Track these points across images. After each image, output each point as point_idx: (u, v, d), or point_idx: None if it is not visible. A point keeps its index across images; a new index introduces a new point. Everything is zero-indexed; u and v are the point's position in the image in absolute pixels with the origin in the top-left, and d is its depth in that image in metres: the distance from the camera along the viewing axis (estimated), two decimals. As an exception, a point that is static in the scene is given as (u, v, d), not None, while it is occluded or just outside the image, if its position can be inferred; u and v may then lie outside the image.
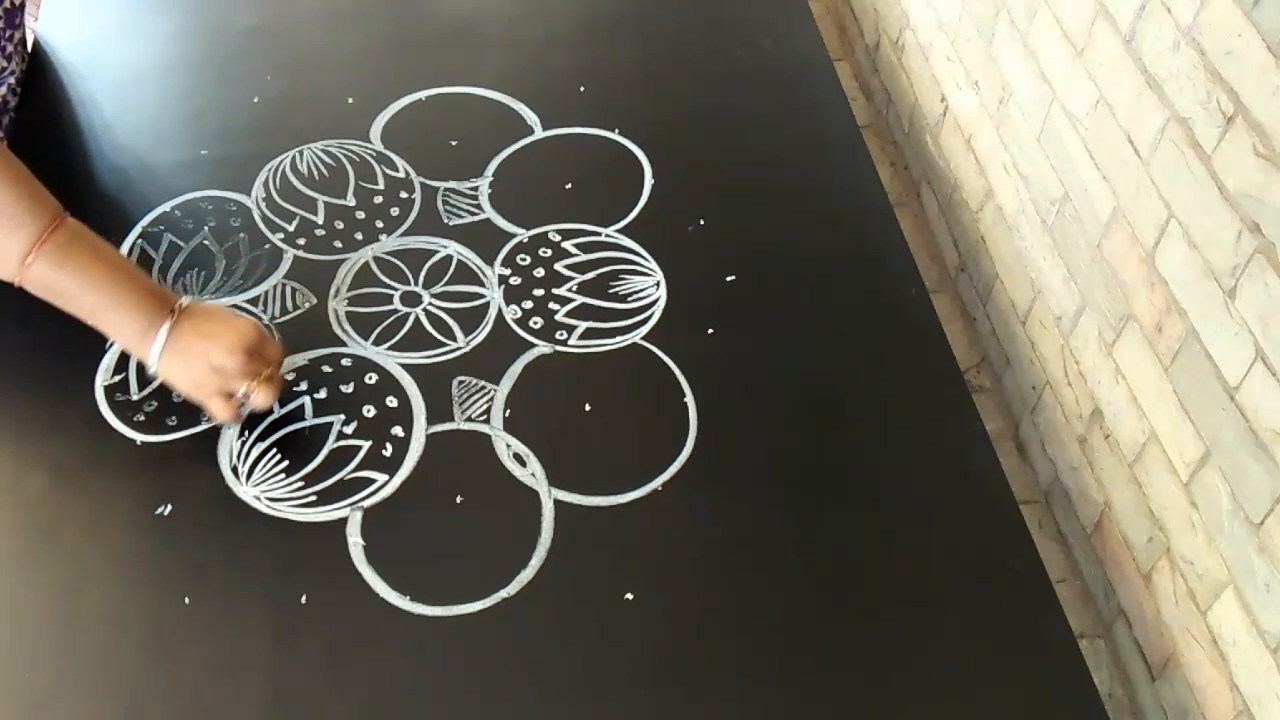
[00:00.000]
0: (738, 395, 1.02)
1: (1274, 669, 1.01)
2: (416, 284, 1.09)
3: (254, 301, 1.07)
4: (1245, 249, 0.98)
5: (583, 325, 1.07)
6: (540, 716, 0.83)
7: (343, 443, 0.97)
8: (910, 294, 1.11)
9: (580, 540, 0.92)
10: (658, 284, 1.10)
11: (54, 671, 0.84)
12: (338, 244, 1.12)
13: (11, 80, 1.21)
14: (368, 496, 0.94)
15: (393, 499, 0.94)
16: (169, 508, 0.93)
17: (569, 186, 1.19)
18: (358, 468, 0.95)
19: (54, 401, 0.99)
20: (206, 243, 1.12)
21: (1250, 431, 1.00)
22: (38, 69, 1.29)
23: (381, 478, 0.95)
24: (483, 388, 1.01)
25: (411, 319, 1.06)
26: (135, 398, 0.99)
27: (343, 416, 0.98)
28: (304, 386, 1.00)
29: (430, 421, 0.99)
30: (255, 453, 0.96)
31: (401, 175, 1.19)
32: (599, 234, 1.14)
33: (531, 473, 0.96)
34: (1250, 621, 1.03)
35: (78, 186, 1.17)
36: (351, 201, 1.16)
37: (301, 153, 1.21)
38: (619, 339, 1.06)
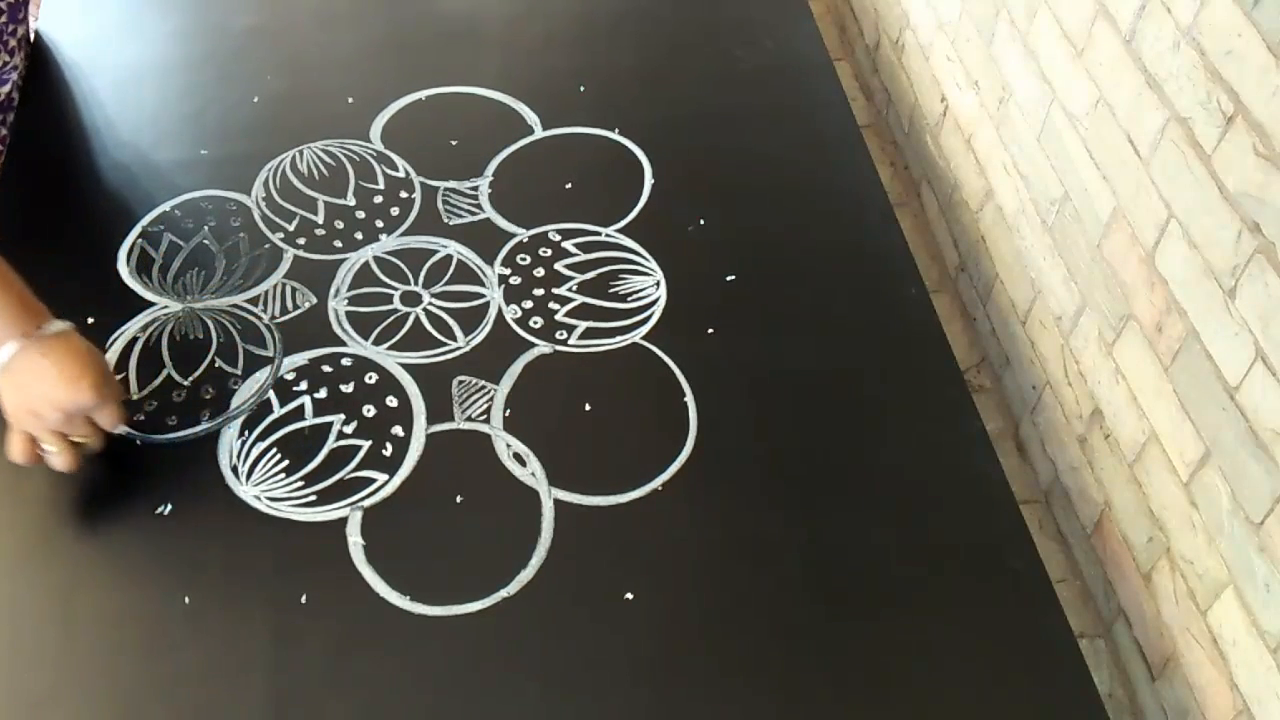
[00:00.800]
0: (738, 395, 1.02)
1: (1274, 669, 1.01)
2: (416, 284, 1.09)
3: (254, 301, 1.07)
4: (1245, 249, 0.98)
5: (583, 325, 1.07)
6: (540, 716, 0.83)
7: (343, 442, 0.97)
8: (910, 294, 1.11)
9: (580, 540, 0.92)
10: (658, 284, 1.10)
11: (53, 671, 0.84)
12: (338, 244, 1.12)
13: (14, 76, 1.21)
14: (368, 496, 0.94)
15: (393, 499, 0.94)
16: (169, 508, 0.93)
17: (569, 186, 1.19)
18: (358, 467, 0.95)
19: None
20: (206, 242, 1.12)
21: (1250, 431, 1.00)
22: (38, 68, 1.29)
23: (381, 477, 0.95)
24: (483, 387, 1.01)
25: (411, 319, 1.06)
26: (135, 398, 0.99)
27: (343, 416, 0.98)
28: (304, 386, 1.00)
29: (430, 421, 0.99)
30: (255, 452, 0.96)
31: (401, 175, 1.19)
32: (599, 234, 1.14)
33: (531, 472, 0.96)
34: (1250, 621, 1.03)
35: (78, 186, 1.17)
36: (351, 201, 1.16)
37: (301, 152, 1.21)
38: (619, 339, 1.06)
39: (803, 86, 1.32)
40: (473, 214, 1.16)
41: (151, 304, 1.06)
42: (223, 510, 0.93)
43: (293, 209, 1.15)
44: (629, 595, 0.89)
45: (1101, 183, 1.20)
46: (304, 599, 0.88)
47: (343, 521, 0.92)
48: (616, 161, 1.22)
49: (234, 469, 0.95)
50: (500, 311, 1.07)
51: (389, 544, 0.91)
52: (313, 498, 0.93)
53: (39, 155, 1.20)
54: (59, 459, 0.90)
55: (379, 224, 1.14)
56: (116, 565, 0.90)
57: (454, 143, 1.23)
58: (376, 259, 1.11)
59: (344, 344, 1.04)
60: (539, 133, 1.24)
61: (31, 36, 1.30)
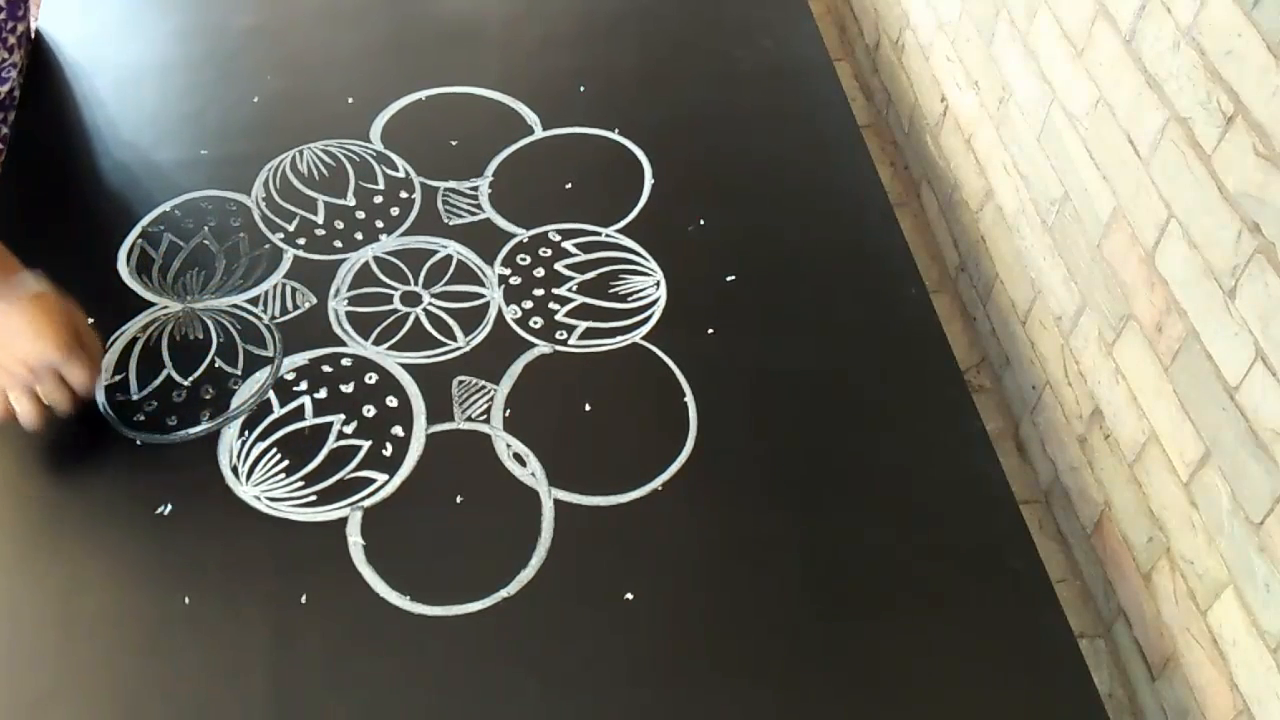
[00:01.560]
0: (738, 395, 1.02)
1: (1274, 669, 1.01)
2: (416, 284, 1.09)
3: (254, 301, 1.07)
4: (1245, 249, 0.98)
5: (583, 325, 1.07)
6: (540, 716, 0.83)
7: (343, 442, 0.97)
8: (910, 294, 1.11)
9: (580, 540, 0.92)
10: (658, 284, 1.10)
11: (53, 671, 0.84)
12: (338, 244, 1.12)
13: (14, 73, 1.21)
14: (368, 496, 0.94)
15: (393, 499, 0.94)
16: (169, 507, 0.93)
17: (569, 186, 1.19)
18: (358, 467, 0.95)
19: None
20: (206, 242, 1.12)
21: (1250, 431, 1.00)
22: (38, 68, 1.29)
23: (381, 477, 0.95)
24: (483, 387, 1.01)
25: (411, 319, 1.06)
26: (135, 398, 0.99)
27: (343, 416, 0.98)
28: (304, 386, 1.00)
29: (430, 421, 0.99)
30: (255, 452, 0.96)
31: (401, 175, 1.19)
32: (599, 234, 1.14)
33: (531, 472, 0.96)
34: (1250, 621, 1.03)
35: (78, 186, 1.18)
36: (351, 201, 1.16)
37: (301, 152, 1.21)
38: (619, 339, 1.06)
39: (803, 87, 1.32)
40: (473, 214, 1.16)
41: (151, 304, 1.06)
42: (223, 510, 0.93)
43: (293, 209, 1.15)
44: (629, 595, 0.89)
45: (1101, 183, 1.20)
46: (304, 599, 0.88)
47: (343, 521, 0.92)
48: (616, 162, 1.22)
49: (234, 469, 0.95)
50: (500, 311, 1.07)
51: (389, 544, 0.91)
52: (313, 498, 0.93)
53: (39, 155, 1.20)
54: (25, 414, 0.92)
55: (379, 224, 1.14)
56: (116, 565, 0.90)
57: (454, 143, 1.23)
58: (376, 259, 1.11)
59: (344, 344, 1.04)
60: (539, 133, 1.24)
61: (32, 34, 1.30)
